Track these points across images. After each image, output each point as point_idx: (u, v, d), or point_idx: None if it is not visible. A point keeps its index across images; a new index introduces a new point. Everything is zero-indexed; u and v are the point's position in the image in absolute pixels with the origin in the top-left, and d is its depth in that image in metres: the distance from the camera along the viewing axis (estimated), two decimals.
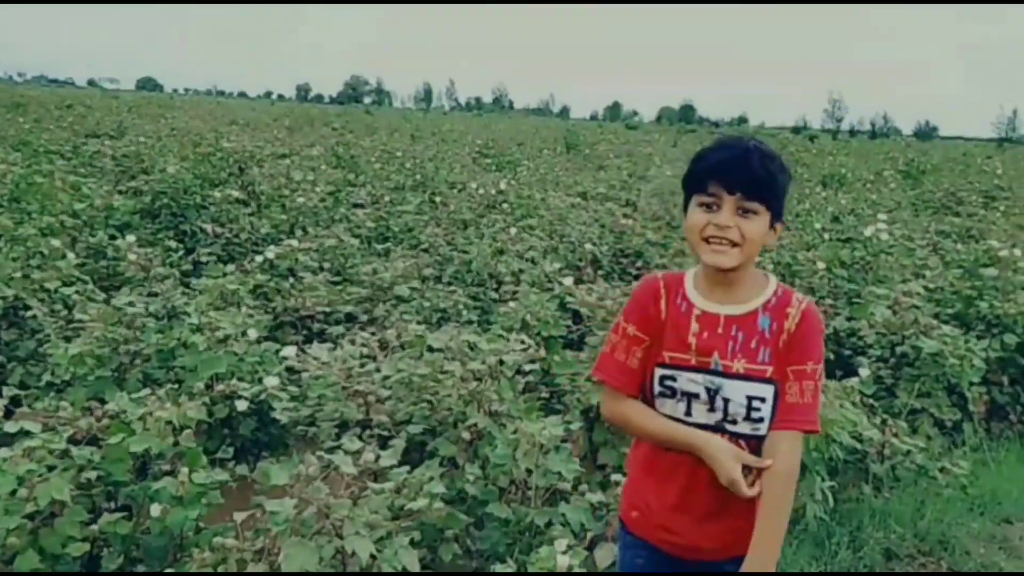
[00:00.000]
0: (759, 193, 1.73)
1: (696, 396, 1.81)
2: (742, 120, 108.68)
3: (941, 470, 3.81)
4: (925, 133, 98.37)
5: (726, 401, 1.79)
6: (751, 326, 1.79)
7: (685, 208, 1.83)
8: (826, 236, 7.52)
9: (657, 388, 1.85)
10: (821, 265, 5.97)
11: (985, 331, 5.11)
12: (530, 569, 2.65)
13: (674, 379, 1.83)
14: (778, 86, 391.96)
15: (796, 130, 50.24)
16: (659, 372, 1.84)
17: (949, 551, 3.57)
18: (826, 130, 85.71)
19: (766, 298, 1.81)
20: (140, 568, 2.96)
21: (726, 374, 1.78)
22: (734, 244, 1.73)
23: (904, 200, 11.04)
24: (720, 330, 1.80)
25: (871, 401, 4.06)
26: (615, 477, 3.07)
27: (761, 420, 1.78)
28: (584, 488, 3.01)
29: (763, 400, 1.77)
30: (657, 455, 1.90)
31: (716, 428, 1.80)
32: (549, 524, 2.88)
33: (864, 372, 4.30)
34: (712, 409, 1.80)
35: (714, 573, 1.92)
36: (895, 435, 3.80)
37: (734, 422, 1.79)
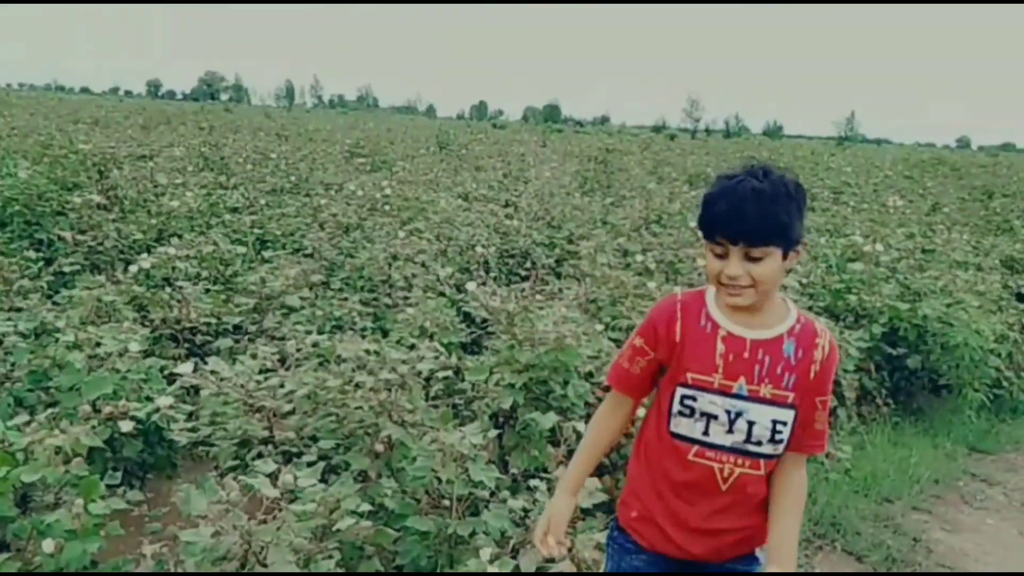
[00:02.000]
0: (762, 240, 1.73)
1: (715, 417, 1.84)
2: (604, 119, 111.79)
3: (827, 455, 4.04)
4: (773, 132, 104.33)
5: (751, 424, 1.82)
6: (777, 351, 1.82)
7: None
8: (700, 235, 7.81)
9: (676, 407, 1.87)
10: (701, 262, 6.19)
11: (854, 322, 5.46)
12: None
13: (694, 399, 1.86)
14: (638, 87, 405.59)
15: (656, 129, 52.04)
16: (680, 392, 1.87)
17: (841, 532, 3.80)
18: (684, 129, 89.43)
19: (790, 324, 1.85)
20: None
21: (752, 398, 1.82)
22: (750, 286, 1.76)
23: None
24: (747, 354, 1.82)
25: None
26: (533, 483, 3.06)
27: (782, 442, 1.83)
28: (505, 495, 2.99)
29: (785, 424, 1.82)
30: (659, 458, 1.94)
31: (734, 449, 1.84)
32: (472, 534, 2.85)
33: None
34: (731, 431, 1.84)
35: (719, 573, 1.96)
36: None
37: (759, 443, 1.83)
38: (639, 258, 6.18)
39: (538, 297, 4.80)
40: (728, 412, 1.82)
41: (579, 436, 3.27)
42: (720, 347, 1.83)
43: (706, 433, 1.85)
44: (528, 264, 7.01)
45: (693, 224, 8.18)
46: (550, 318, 4.00)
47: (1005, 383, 5.56)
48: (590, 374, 3.88)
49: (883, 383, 5.48)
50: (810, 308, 5.36)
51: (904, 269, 6.17)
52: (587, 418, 3.44)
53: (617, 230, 7.91)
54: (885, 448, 4.80)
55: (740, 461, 1.84)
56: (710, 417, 1.84)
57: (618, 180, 12.98)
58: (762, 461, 1.84)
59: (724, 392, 1.82)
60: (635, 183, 12.65)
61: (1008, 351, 5.67)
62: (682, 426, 1.87)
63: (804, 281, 5.72)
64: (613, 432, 2.09)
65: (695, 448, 1.86)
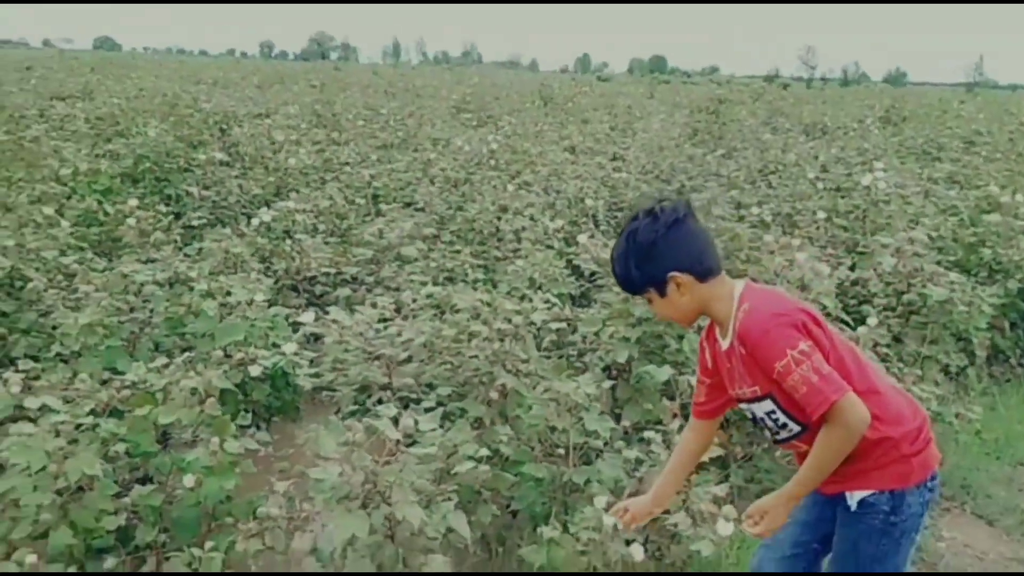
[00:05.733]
0: (631, 291, 2.13)
1: (753, 421, 2.11)
2: (714, 69, 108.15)
3: (956, 416, 3.86)
4: (895, 79, 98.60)
5: (762, 419, 2.05)
6: (733, 355, 2.01)
7: None
8: (819, 186, 7.50)
9: None
10: (822, 215, 5.96)
11: (987, 278, 5.15)
12: (572, 530, 2.65)
13: (742, 409, 2.14)
14: (748, 36, 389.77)
15: (769, 79, 49.98)
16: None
17: (972, 495, 3.64)
18: (798, 78, 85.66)
19: (733, 323, 1.98)
20: (169, 539, 2.92)
21: (745, 400, 2.05)
22: (667, 319, 2.19)
23: (888, 147, 11.04)
24: (728, 364, 2.06)
25: (885, 350, 4.09)
26: (647, 434, 3.05)
27: (786, 424, 2.00)
28: (619, 445, 3.00)
29: (774, 411, 1.99)
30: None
31: (780, 440, 2.08)
32: (587, 482, 2.87)
33: (872, 321, 4.31)
34: (763, 429, 2.10)
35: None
36: (912, 383, 3.83)
37: (777, 433, 2.05)
38: (755, 211, 5.99)
39: None
40: (750, 416, 2.09)
41: (692, 390, 3.23)
42: (721, 363, 2.09)
43: (760, 432, 2.24)
44: None
45: (811, 175, 7.87)
46: None
47: None
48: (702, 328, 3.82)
49: (1017, 342, 5.17)
50: (938, 263, 5.07)
51: None
52: None
53: (731, 182, 7.68)
54: (1019, 410, 4.54)
55: (792, 444, 2.06)
56: (752, 422, 2.14)
57: (730, 131, 12.57)
58: (798, 440, 2.01)
59: (740, 400, 2.08)
60: (748, 134, 12.23)
61: None
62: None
63: (933, 235, 5.42)
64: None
65: (777, 444, 2.16)
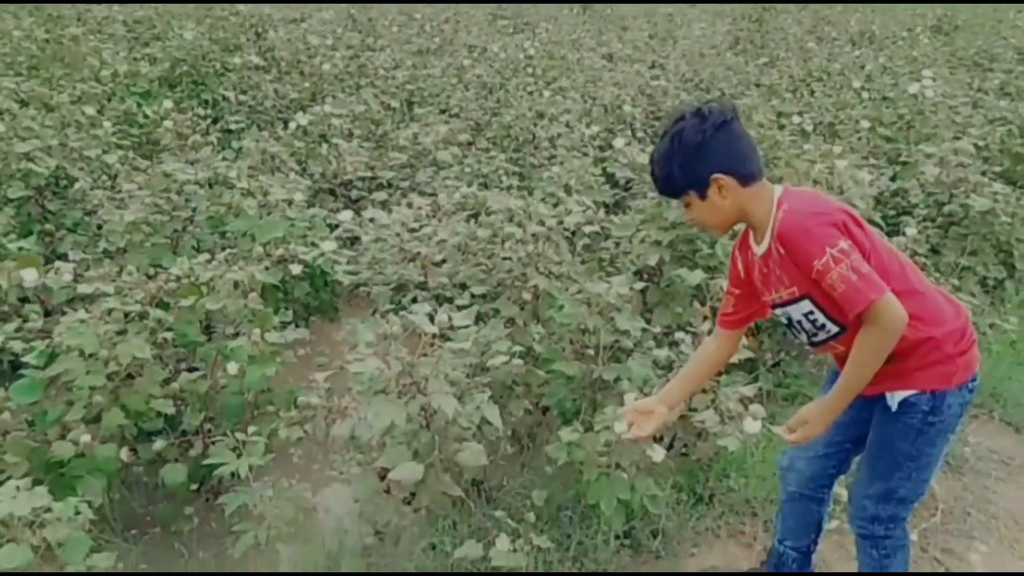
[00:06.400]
0: (671, 194, 2.08)
1: (788, 326, 2.12)
2: None
3: (991, 326, 3.85)
4: None
5: (799, 323, 2.05)
6: (770, 259, 2.00)
7: None
8: (864, 95, 7.29)
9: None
10: (865, 124, 5.82)
11: None
12: (596, 427, 2.71)
13: (776, 316, 2.14)
14: None
15: None
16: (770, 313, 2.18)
17: (1001, 403, 3.66)
18: None
19: (771, 227, 1.96)
20: (214, 426, 3.06)
21: (782, 304, 2.04)
22: (703, 227, 2.13)
23: (939, 57, 10.63)
24: (764, 269, 2.05)
25: (923, 260, 4.05)
26: (678, 335, 3.09)
27: (824, 325, 2.00)
28: (649, 345, 3.05)
29: (813, 312, 1.99)
30: None
31: (816, 342, 2.08)
32: (617, 379, 2.94)
33: (911, 231, 4.26)
34: (799, 332, 2.09)
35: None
36: (950, 293, 3.81)
37: (815, 335, 2.05)
38: (795, 119, 5.86)
39: None
40: (786, 320, 2.09)
41: (723, 293, 3.26)
42: (755, 271, 2.09)
43: (796, 338, 2.14)
44: None
45: (857, 84, 7.65)
46: None
47: None
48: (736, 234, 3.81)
49: None
50: (983, 174, 4.95)
51: None
52: None
53: (772, 91, 7.49)
54: None
55: (824, 349, 2.09)
56: (787, 326, 2.14)
57: (773, 40, 12.17)
58: (836, 341, 2.03)
59: (774, 305, 2.08)
60: (792, 42, 11.83)
61: None
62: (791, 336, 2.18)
63: (979, 145, 5.27)
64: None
65: (811, 348, 2.16)
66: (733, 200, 1.99)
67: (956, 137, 5.42)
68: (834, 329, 1.99)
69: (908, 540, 2.21)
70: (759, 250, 2.04)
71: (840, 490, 2.89)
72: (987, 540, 2.86)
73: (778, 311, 2.09)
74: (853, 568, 2.68)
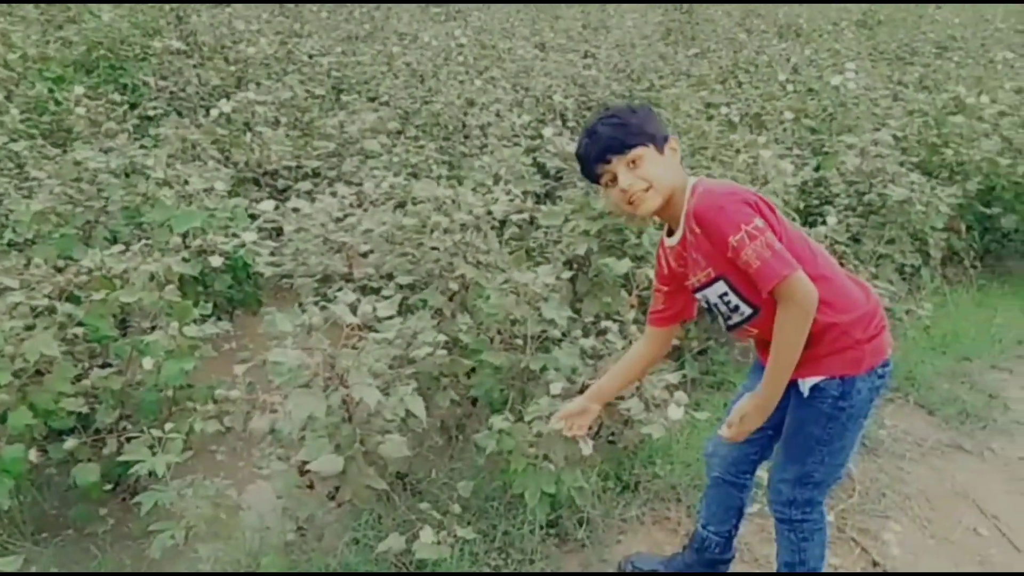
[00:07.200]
0: (624, 146, 1.99)
1: (706, 311, 2.17)
2: None
3: (907, 312, 3.97)
4: None
5: (715, 306, 2.09)
6: (687, 244, 2.04)
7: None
8: (789, 87, 7.44)
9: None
10: (789, 115, 5.93)
11: (948, 179, 5.21)
12: (527, 418, 2.70)
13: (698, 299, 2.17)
14: None
15: None
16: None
17: (916, 387, 3.78)
18: None
19: (687, 213, 2.00)
20: (130, 424, 2.95)
21: (699, 287, 2.07)
22: (647, 190, 2.00)
23: (862, 51, 10.93)
24: (681, 257, 2.09)
25: (843, 248, 4.16)
26: (604, 324, 3.10)
27: (737, 307, 2.04)
28: (577, 334, 3.05)
29: (726, 294, 2.03)
30: None
31: (733, 325, 2.12)
32: (544, 369, 2.93)
33: (832, 220, 4.36)
34: (716, 317, 2.15)
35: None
36: (866, 281, 3.92)
37: (729, 318, 2.09)
38: (723, 110, 5.95)
39: None
40: (704, 304, 2.13)
41: (651, 282, 3.28)
42: (673, 262, 2.12)
43: (715, 320, 2.23)
44: None
45: (783, 76, 7.80)
46: None
47: None
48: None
49: (972, 244, 5.27)
50: (901, 164, 5.10)
51: (1008, 125, 5.78)
52: None
53: (701, 81, 7.58)
54: (968, 309, 4.68)
55: (741, 333, 2.12)
56: (707, 312, 2.19)
57: (703, 31, 12.34)
58: (750, 324, 2.06)
59: (694, 289, 2.11)
60: (722, 34, 12.02)
61: None
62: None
63: (898, 136, 5.43)
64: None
65: (729, 332, 2.19)
66: (678, 168, 2.06)
67: (876, 128, 5.56)
68: (747, 311, 2.03)
69: (825, 523, 2.26)
70: (672, 241, 2.10)
71: (762, 474, 2.95)
72: (901, 520, 2.95)
73: (698, 295, 2.13)
74: (773, 550, 2.74)
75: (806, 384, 2.02)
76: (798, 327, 1.90)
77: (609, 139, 2.00)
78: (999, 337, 4.41)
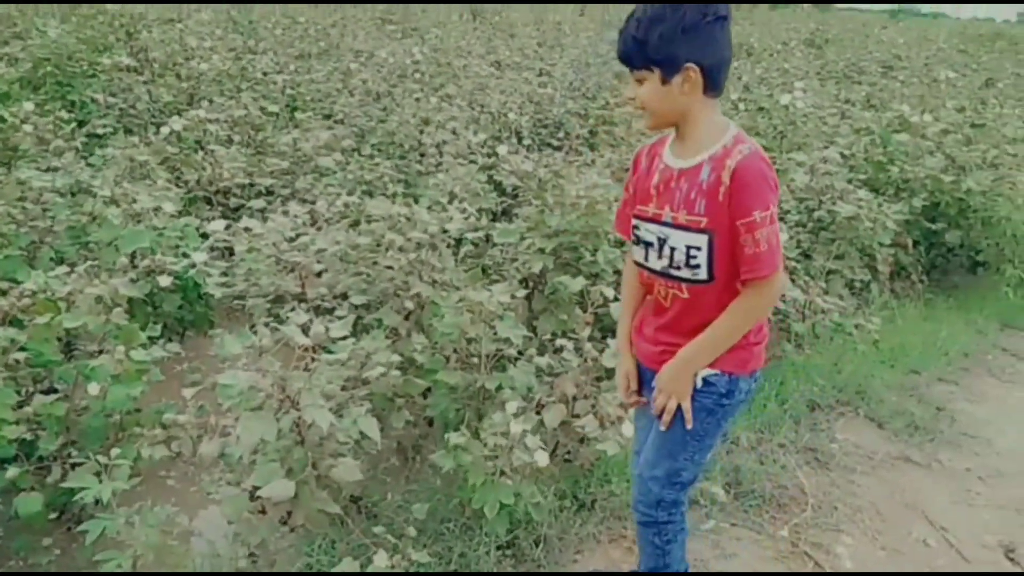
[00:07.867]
0: (634, 62, 1.88)
1: (651, 244, 2.00)
2: None
3: (856, 327, 4.04)
4: (822, 4, 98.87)
5: (672, 249, 1.95)
6: (694, 178, 1.89)
7: None
8: (740, 106, 7.57)
9: (632, 237, 2.07)
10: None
11: (894, 195, 5.33)
12: (482, 436, 2.69)
13: (638, 228, 2.03)
14: None
15: None
16: (633, 222, 2.06)
17: (866, 400, 3.84)
18: None
19: (713, 151, 1.87)
20: (76, 451, 2.87)
21: (673, 224, 1.93)
22: (641, 108, 1.92)
23: (810, 69, 11.19)
24: (673, 183, 1.93)
25: (793, 264, 4.23)
26: (560, 342, 3.11)
27: (698, 267, 1.91)
28: (532, 353, 3.05)
29: (699, 249, 1.90)
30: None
31: (662, 273, 2.00)
32: (499, 388, 2.92)
33: (783, 236, 4.43)
34: (660, 256, 1.98)
35: None
36: (816, 296, 3.99)
37: (678, 268, 1.95)
38: None
39: (572, 166, 4.74)
40: (659, 239, 1.97)
41: (607, 300, 3.29)
42: (655, 178, 1.97)
43: (646, 259, 2.03)
44: (561, 134, 6.88)
45: (735, 95, 7.94)
46: (581, 184, 3.95)
47: None
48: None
49: (919, 259, 5.40)
50: (849, 181, 5.22)
51: (951, 143, 5.95)
52: (617, 284, 3.46)
53: None
54: (916, 322, 4.78)
55: (669, 284, 2.00)
56: (647, 244, 2.01)
57: None
58: (684, 285, 1.96)
59: (655, 220, 1.97)
60: None
61: None
62: (635, 253, 2.08)
63: (845, 153, 5.56)
64: (639, 283, 2.17)
65: (644, 273, 2.07)
66: (689, 99, 1.86)
67: (825, 146, 5.69)
68: (703, 276, 1.92)
69: (686, 525, 2.27)
70: (680, 163, 1.92)
71: (716, 489, 2.98)
72: (852, 532, 2.98)
73: (651, 226, 1.98)
74: (728, 565, 2.76)
75: (700, 375, 2.00)
76: (750, 319, 1.92)
77: (623, 51, 1.89)
78: (946, 350, 4.52)
